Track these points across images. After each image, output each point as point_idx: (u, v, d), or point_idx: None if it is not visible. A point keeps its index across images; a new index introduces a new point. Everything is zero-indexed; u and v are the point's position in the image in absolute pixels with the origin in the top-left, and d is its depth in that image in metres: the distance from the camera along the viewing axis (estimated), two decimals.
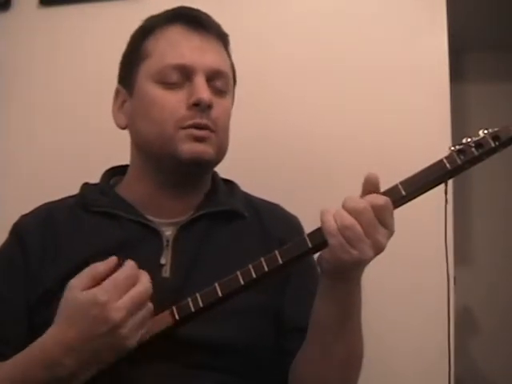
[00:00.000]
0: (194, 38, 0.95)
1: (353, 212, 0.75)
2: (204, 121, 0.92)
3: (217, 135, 0.95)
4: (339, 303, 0.81)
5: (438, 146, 1.22)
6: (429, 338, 1.17)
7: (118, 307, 0.75)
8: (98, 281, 0.78)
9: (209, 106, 0.92)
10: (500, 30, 2.27)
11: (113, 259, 0.81)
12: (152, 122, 0.93)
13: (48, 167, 1.41)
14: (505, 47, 2.40)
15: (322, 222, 0.77)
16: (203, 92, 0.92)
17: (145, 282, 0.79)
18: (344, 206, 0.76)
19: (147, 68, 0.95)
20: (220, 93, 0.96)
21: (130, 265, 0.80)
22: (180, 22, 0.96)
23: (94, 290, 0.77)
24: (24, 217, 1.00)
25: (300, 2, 1.38)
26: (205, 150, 0.93)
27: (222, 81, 0.96)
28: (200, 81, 0.93)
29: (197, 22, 0.96)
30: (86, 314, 0.76)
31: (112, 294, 0.76)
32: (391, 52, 1.31)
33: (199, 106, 0.92)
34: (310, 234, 0.79)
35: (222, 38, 1.00)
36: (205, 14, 0.99)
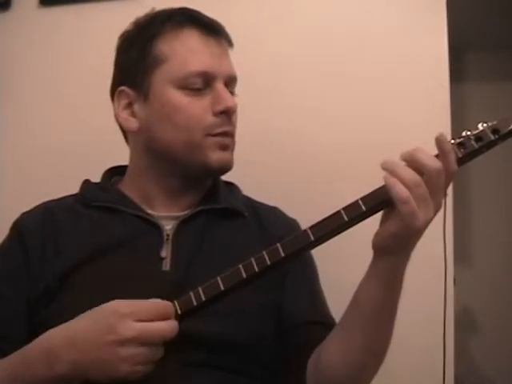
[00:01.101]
0: (212, 44, 0.97)
1: (432, 170, 0.72)
2: (231, 128, 0.96)
3: (233, 140, 0.98)
4: (393, 282, 0.79)
5: None
6: (428, 338, 1.17)
7: (131, 326, 0.74)
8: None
9: (234, 113, 0.95)
10: (500, 30, 2.27)
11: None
12: (177, 128, 0.93)
13: (47, 167, 1.42)
14: (505, 47, 2.40)
15: (390, 186, 0.72)
16: (230, 100, 0.94)
17: (170, 325, 0.77)
18: (417, 161, 0.72)
19: (166, 73, 0.94)
20: (232, 95, 0.98)
21: (166, 303, 0.79)
22: (194, 27, 0.96)
23: (121, 302, 0.77)
24: (24, 214, 1.01)
25: (300, 2, 1.37)
26: (230, 158, 0.96)
27: (234, 86, 1.00)
28: (222, 88, 0.95)
29: (211, 27, 0.98)
30: (101, 318, 0.76)
31: (135, 313, 0.75)
32: (391, 52, 1.31)
33: (227, 114, 0.94)
34: (312, 227, 0.78)
35: (231, 42, 1.01)
36: (215, 20, 1.00)
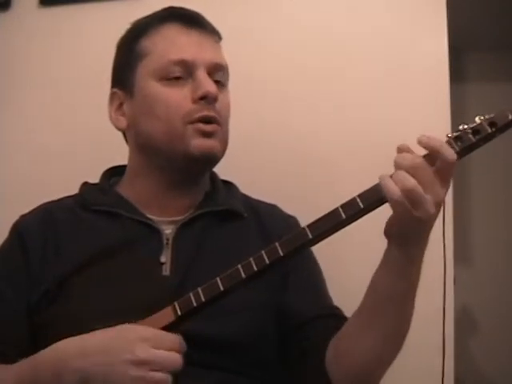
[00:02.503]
0: (192, 34, 0.96)
1: (411, 170, 0.72)
2: (211, 113, 0.93)
3: (222, 129, 0.96)
4: (402, 273, 0.79)
5: None
6: (428, 337, 1.17)
7: (149, 350, 0.74)
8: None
9: (215, 99, 0.93)
10: (500, 30, 2.27)
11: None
12: (158, 119, 0.94)
13: (47, 167, 1.41)
14: (505, 47, 2.40)
15: (385, 188, 0.73)
16: (210, 85, 0.93)
17: (179, 359, 0.77)
18: (400, 166, 0.74)
19: (147, 66, 0.95)
20: (221, 86, 0.97)
21: (179, 337, 0.78)
22: (175, 20, 0.97)
23: (144, 327, 0.77)
24: (24, 216, 1.01)
25: (299, 3, 1.37)
26: (214, 144, 0.94)
27: (221, 74, 0.98)
28: (203, 75, 0.93)
29: (192, 19, 0.98)
30: (120, 335, 0.76)
31: (155, 340, 0.75)
32: (391, 52, 1.31)
33: (206, 99, 0.93)
34: (310, 225, 0.78)
35: (217, 34, 1.01)
36: (197, 13, 1.00)
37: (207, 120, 0.93)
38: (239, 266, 0.78)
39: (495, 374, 2.37)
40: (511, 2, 1.98)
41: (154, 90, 0.94)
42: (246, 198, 1.06)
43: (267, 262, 0.78)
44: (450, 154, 0.73)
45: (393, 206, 0.74)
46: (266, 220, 1.02)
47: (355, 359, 0.85)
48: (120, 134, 1.04)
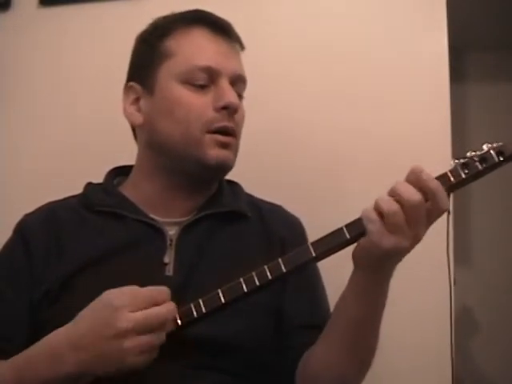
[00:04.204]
0: (221, 42, 0.96)
1: (403, 202, 0.73)
2: (231, 124, 0.94)
3: (236, 140, 0.97)
4: (371, 298, 0.81)
5: (438, 146, 1.23)
6: (430, 338, 1.17)
7: (127, 317, 0.74)
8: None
9: (236, 110, 0.94)
10: (500, 30, 2.27)
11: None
12: (177, 122, 0.93)
13: (50, 167, 1.41)
14: (505, 47, 2.40)
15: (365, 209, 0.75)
16: (233, 96, 0.93)
17: (167, 308, 0.77)
18: (396, 192, 0.74)
19: (171, 68, 0.95)
20: (240, 98, 0.98)
21: (161, 287, 0.78)
22: (204, 25, 0.97)
23: (114, 293, 0.77)
24: (27, 216, 1.01)
25: (301, 2, 1.37)
26: (229, 156, 0.95)
27: (241, 86, 0.99)
28: (227, 84, 0.94)
29: (221, 27, 0.97)
30: (97, 314, 0.76)
31: (128, 302, 0.75)
32: (391, 52, 1.31)
33: (228, 110, 0.93)
34: (314, 243, 0.79)
35: (241, 44, 1.01)
36: (226, 21, 1.00)
37: (225, 131, 0.94)
38: (241, 279, 0.79)
39: (495, 374, 2.37)
40: (511, 2, 1.98)
41: (177, 92, 0.94)
42: (251, 198, 1.06)
43: (270, 277, 0.78)
44: (445, 204, 0.74)
45: (366, 223, 0.75)
46: (269, 220, 1.02)
47: (319, 380, 0.88)
48: (124, 133, 1.04)
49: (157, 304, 0.76)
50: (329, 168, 1.30)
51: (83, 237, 0.95)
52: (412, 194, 0.73)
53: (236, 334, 0.88)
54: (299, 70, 1.34)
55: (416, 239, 0.75)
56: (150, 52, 0.98)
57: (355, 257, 0.79)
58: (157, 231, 0.94)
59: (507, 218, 2.47)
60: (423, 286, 1.21)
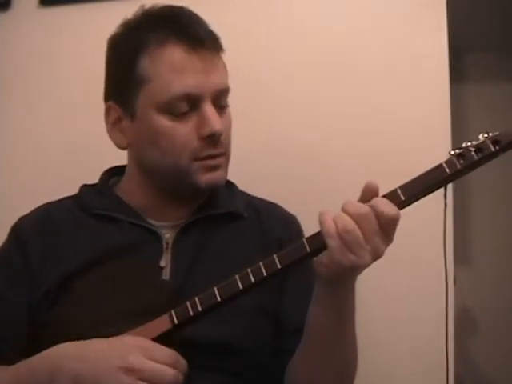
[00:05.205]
0: (197, 58, 0.91)
1: (354, 216, 0.73)
2: (218, 150, 0.92)
3: (226, 155, 0.95)
4: (335, 309, 0.81)
5: (438, 146, 1.23)
6: (428, 339, 1.17)
7: (141, 359, 0.75)
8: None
9: (221, 135, 0.91)
10: (500, 30, 2.27)
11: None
12: (163, 152, 0.92)
13: (47, 167, 1.41)
14: (505, 47, 2.39)
15: (321, 223, 0.75)
16: (216, 124, 0.90)
17: (176, 377, 0.77)
18: (345, 210, 0.75)
19: (150, 95, 0.91)
20: (224, 108, 0.95)
21: (176, 354, 0.79)
22: (178, 41, 0.91)
23: (143, 339, 0.78)
24: (22, 218, 1.01)
25: (300, 3, 1.37)
26: (220, 176, 0.94)
27: (225, 96, 0.95)
28: (209, 110, 0.90)
29: (197, 39, 0.91)
30: (119, 344, 0.77)
31: (150, 351, 0.76)
32: (391, 52, 1.31)
33: (213, 138, 0.91)
34: (308, 238, 0.79)
35: (218, 48, 0.95)
36: (197, 23, 0.94)
37: (214, 156, 0.92)
38: (237, 276, 0.79)
39: (495, 374, 2.37)
40: (511, 2, 1.98)
41: (159, 123, 0.91)
42: (246, 197, 1.06)
43: (265, 274, 0.78)
44: (390, 209, 0.74)
45: (328, 242, 0.74)
46: (266, 220, 1.02)
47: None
48: None
49: (171, 366, 0.77)
50: (327, 168, 1.30)
51: (79, 239, 0.95)
52: (359, 207, 0.74)
53: (235, 336, 0.88)
54: (299, 69, 1.34)
55: (376, 253, 0.75)
56: (125, 71, 0.94)
57: (316, 270, 0.79)
58: (153, 235, 0.95)
59: (507, 217, 2.46)
60: (423, 286, 1.21)
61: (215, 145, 0.92)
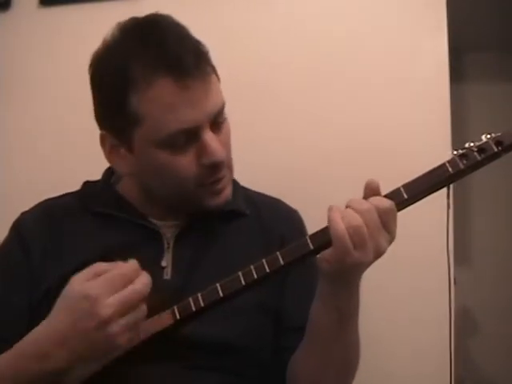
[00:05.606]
0: (187, 93, 0.85)
1: (360, 213, 0.74)
2: (222, 173, 0.91)
3: (230, 170, 0.94)
4: (338, 306, 0.81)
5: (438, 146, 1.23)
6: (430, 339, 1.17)
7: (108, 304, 0.72)
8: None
9: (223, 162, 0.90)
10: (500, 30, 2.27)
11: (119, 263, 0.78)
12: (168, 183, 0.91)
13: (48, 165, 1.42)
14: (505, 47, 2.40)
15: (330, 220, 0.75)
16: (217, 152, 0.87)
17: (142, 282, 0.76)
18: (351, 206, 0.75)
19: (145, 134, 0.88)
20: (221, 124, 0.92)
21: (130, 263, 0.77)
22: (167, 72, 0.84)
23: (88, 283, 0.75)
24: (24, 214, 1.00)
25: (300, 3, 1.37)
26: (227, 194, 0.94)
27: (221, 113, 0.92)
28: (209, 138, 0.87)
29: (183, 67, 0.85)
30: (76, 307, 0.74)
31: (104, 289, 0.73)
32: (391, 52, 1.31)
33: (216, 166, 0.89)
34: (311, 236, 0.78)
35: (208, 68, 0.89)
36: (181, 46, 0.87)
37: (219, 180, 0.91)
38: (240, 273, 0.79)
39: (495, 374, 2.37)
40: (511, 2, 1.98)
41: (159, 156, 0.88)
42: (248, 192, 1.06)
43: (267, 270, 0.78)
44: (384, 201, 0.75)
45: (334, 240, 0.74)
46: (267, 216, 1.02)
47: (296, 381, 0.89)
48: None
49: (131, 281, 0.75)
50: (327, 169, 1.30)
51: (81, 237, 0.94)
52: (363, 203, 0.75)
53: (234, 334, 0.88)
54: (299, 68, 1.34)
55: (378, 250, 0.75)
56: (114, 104, 0.89)
57: (319, 267, 0.79)
58: (154, 234, 0.94)
59: (507, 217, 2.47)
60: (423, 286, 1.21)
61: (220, 171, 0.91)
